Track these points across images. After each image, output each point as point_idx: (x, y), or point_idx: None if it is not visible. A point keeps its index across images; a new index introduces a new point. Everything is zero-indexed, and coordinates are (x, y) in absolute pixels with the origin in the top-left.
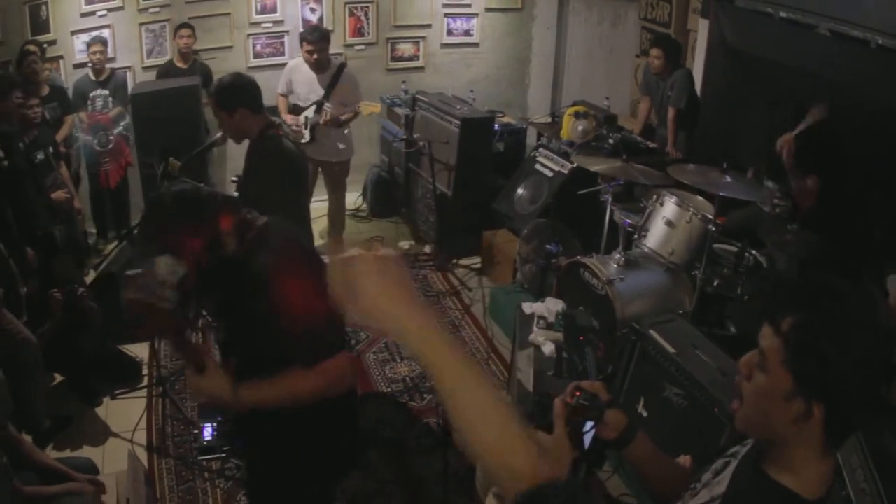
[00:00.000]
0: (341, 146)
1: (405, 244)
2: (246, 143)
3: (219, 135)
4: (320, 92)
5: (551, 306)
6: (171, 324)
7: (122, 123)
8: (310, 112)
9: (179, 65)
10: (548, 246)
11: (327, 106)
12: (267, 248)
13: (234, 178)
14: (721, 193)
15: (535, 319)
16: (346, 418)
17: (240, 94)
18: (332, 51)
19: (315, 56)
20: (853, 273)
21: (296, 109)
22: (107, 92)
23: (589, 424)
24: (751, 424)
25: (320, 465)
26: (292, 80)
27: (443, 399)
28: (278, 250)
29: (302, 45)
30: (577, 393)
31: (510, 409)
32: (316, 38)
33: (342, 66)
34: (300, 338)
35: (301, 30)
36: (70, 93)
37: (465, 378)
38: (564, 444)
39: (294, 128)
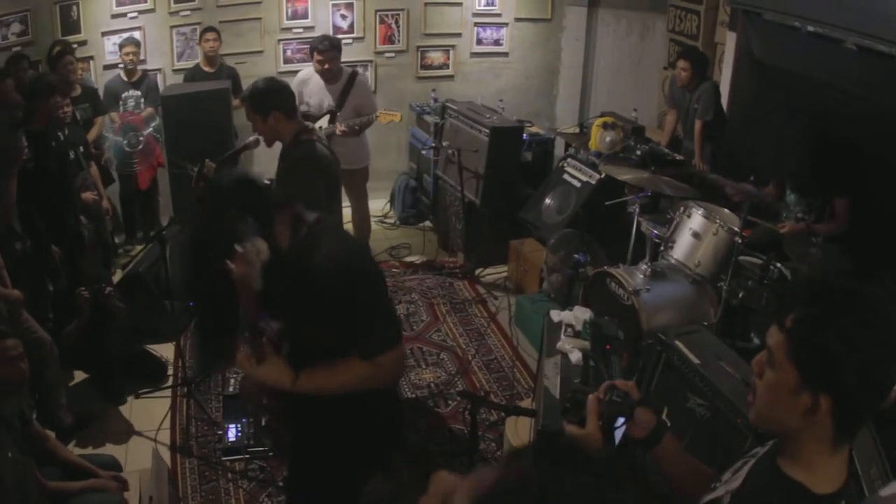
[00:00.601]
0: (358, 153)
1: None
2: (274, 147)
3: (252, 138)
4: (332, 102)
5: (579, 315)
6: (252, 305)
7: (153, 125)
8: (323, 122)
9: (206, 69)
10: (575, 256)
11: (339, 117)
12: (323, 241)
13: (266, 182)
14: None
15: (563, 327)
16: (390, 411)
17: (273, 97)
18: (363, 58)
19: (326, 66)
20: (877, 285)
21: (308, 119)
22: (139, 93)
23: (620, 420)
24: (762, 419)
25: (361, 453)
26: (303, 92)
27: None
28: (335, 243)
29: (312, 55)
30: (609, 387)
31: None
32: (326, 47)
33: (354, 75)
34: (359, 329)
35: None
36: (101, 93)
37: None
38: (596, 439)
39: None
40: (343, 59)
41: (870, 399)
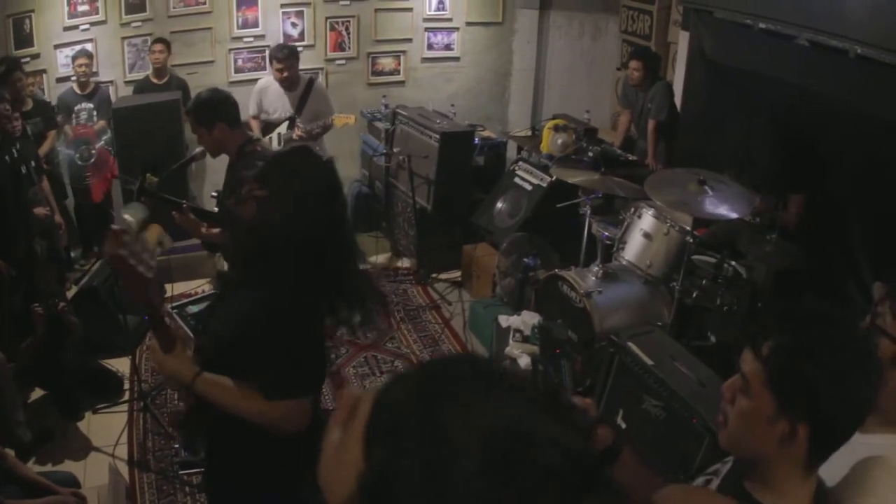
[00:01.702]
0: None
1: (379, 258)
2: (222, 158)
3: (198, 150)
4: (291, 108)
5: (527, 319)
6: (144, 292)
7: (105, 137)
8: (282, 128)
9: (155, 80)
10: (525, 259)
11: (299, 121)
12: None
13: (214, 194)
14: (697, 215)
15: (512, 332)
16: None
17: (217, 109)
18: (313, 65)
19: (285, 74)
20: (834, 282)
21: (268, 127)
22: (91, 105)
23: None
24: (735, 445)
25: (277, 477)
26: (262, 100)
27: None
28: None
29: (271, 64)
30: None
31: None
32: (285, 55)
33: (311, 81)
34: (265, 365)
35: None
36: (55, 106)
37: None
38: None
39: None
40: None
41: (848, 425)
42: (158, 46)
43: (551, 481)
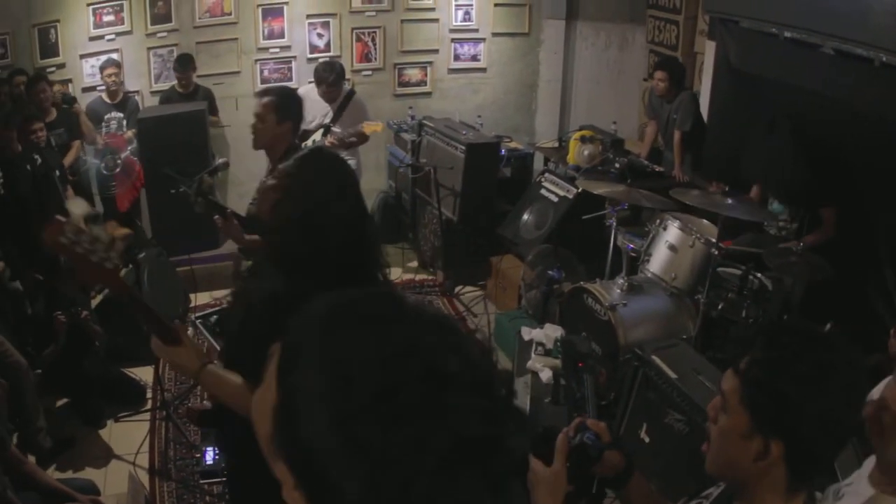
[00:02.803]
0: (354, 166)
1: (406, 269)
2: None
3: (222, 160)
4: (327, 117)
5: (550, 332)
6: (99, 278)
7: (132, 146)
8: (317, 136)
9: (180, 90)
10: (550, 272)
11: (334, 129)
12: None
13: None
14: (725, 214)
15: (534, 346)
16: None
17: (297, 110)
18: None
19: (331, 94)
20: (860, 294)
21: (304, 135)
22: (121, 114)
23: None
24: (717, 466)
25: None
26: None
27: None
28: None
29: (319, 85)
30: (580, 425)
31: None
32: (333, 80)
33: (351, 93)
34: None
35: (308, 55)
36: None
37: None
38: (561, 478)
39: None
40: None
41: (826, 445)
42: (110, 70)
43: (450, 393)
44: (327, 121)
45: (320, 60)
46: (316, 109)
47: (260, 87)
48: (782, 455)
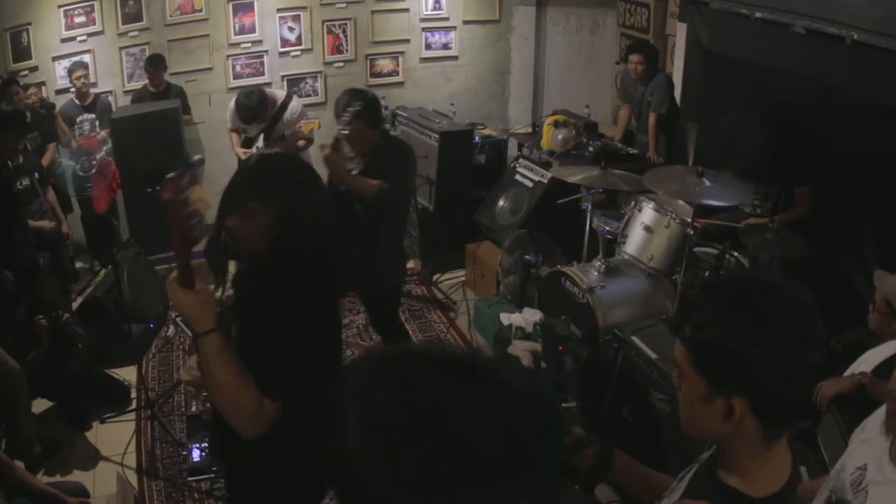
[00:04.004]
0: None
1: None
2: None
3: (197, 157)
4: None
5: (529, 317)
6: (186, 246)
7: (106, 147)
8: (260, 142)
9: (152, 90)
10: (528, 256)
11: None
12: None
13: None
14: (698, 202)
15: (514, 330)
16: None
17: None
18: (311, 69)
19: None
20: (838, 270)
21: (248, 141)
22: (93, 116)
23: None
24: (689, 429)
25: (296, 486)
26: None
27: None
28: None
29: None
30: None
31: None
32: (249, 120)
33: (289, 98)
34: (280, 364)
35: (280, 49)
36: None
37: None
38: None
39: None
40: (292, 72)
41: (785, 390)
42: (78, 73)
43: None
44: (266, 124)
45: (240, 92)
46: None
47: (232, 82)
48: (748, 409)
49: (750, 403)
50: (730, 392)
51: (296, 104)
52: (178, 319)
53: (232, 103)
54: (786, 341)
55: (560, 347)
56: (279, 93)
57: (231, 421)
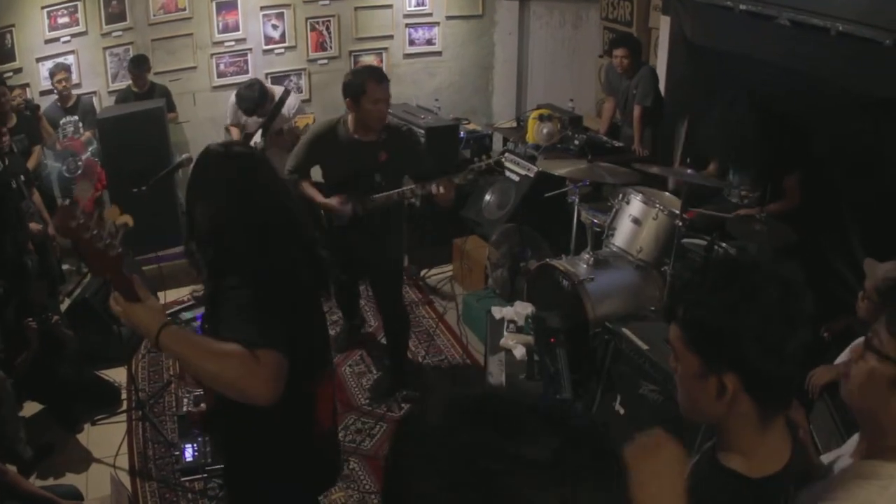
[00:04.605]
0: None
1: None
2: None
3: (185, 156)
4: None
5: (520, 310)
6: (108, 266)
7: (91, 148)
8: (258, 137)
9: (136, 90)
10: (517, 250)
11: (272, 132)
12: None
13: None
14: (689, 181)
15: (506, 324)
16: (319, 437)
17: None
18: (295, 67)
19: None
20: (825, 259)
21: (247, 137)
22: (76, 118)
23: None
24: (687, 411)
25: (294, 478)
26: (238, 112)
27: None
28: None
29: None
30: None
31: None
32: (248, 109)
33: (286, 93)
34: (259, 316)
35: (263, 47)
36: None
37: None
38: None
39: None
40: (276, 69)
41: (776, 366)
42: (60, 75)
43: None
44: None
45: (241, 84)
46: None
47: (216, 81)
48: (741, 387)
49: (741, 380)
50: (722, 369)
51: (293, 100)
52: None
53: (232, 98)
54: (772, 315)
55: (552, 340)
56: (276, 88)
57: (240, 395)
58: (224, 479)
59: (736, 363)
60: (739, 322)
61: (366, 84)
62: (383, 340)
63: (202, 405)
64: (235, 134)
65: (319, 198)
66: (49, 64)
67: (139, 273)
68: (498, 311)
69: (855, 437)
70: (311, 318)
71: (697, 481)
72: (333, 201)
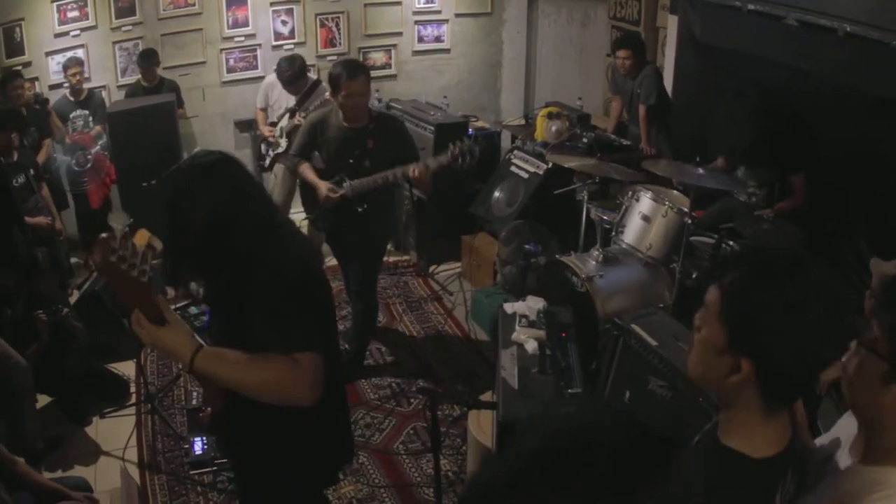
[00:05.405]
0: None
1: None
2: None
3: (198, 150)
4: (292, 102)
5: (532, 305)
6: (141, 296)
7: (101, 142)
8: (284, 121)
9: (145, 84)
10: (526, 246)
11: (300, 114)
12: (270, 245)
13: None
14: (696, 184)
15: (517, 318)
16: (333, 427)
17: None
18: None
19: (291, 90)
20: (832, 258)
21: (273, 124)
22: (87, 112)
23: None
24: (694, 373)
25: (307, 471)
26: (269, 95)
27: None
28: (278, 250)
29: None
30: None
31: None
32: (289, 77)
33: (318, 81)
34: (281, 328)
35: (273, 43)
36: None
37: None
38: None
39: (271, 139)
40: None
41: (796, 369)
42: (73, 69)
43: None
44: (292, 104)
45: (283, 56)
46: (283, 97)
47: (226, 76)
48: (753, 374)
49: (757, 371)
50: (742, 352)
51: (325, 87)
52: (178, 313)
53: (266, 79)
54: (818, 329)
55: (563, 334)
56: (310, 77)
57: (284, 400)
58: (235, 477)
59: (760, 356)
60: (785, 323)
61: (340, 78)
62: (393, 336)
63: (207, 409)
64: (262, 119)
65: (313, 179)
66: (59, 58)
67: (160, 288)
68: (510, 306)
69: (847, 418)
70: (332, 314)
71: (698, 460)
72: (323, 185)
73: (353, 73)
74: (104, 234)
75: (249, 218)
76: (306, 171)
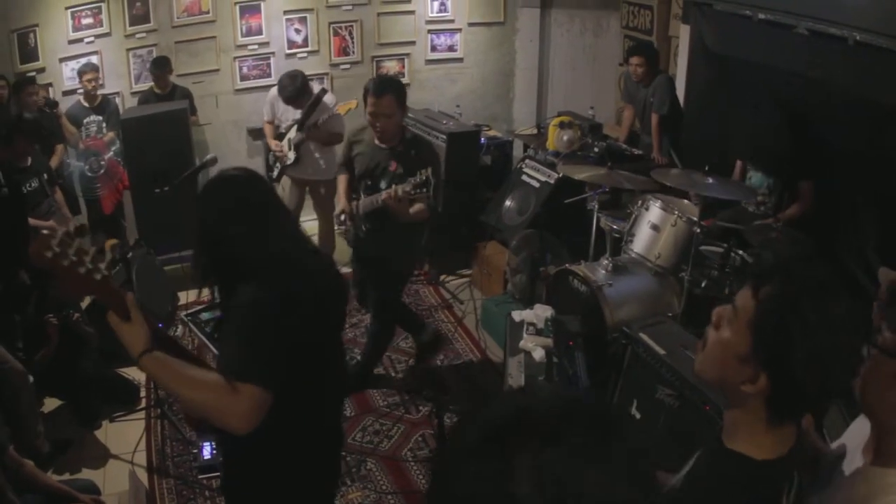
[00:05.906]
0: (324, 165)
1: None
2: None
3: (210, 156)
4: (298, 115)
5: (540, 313)
6: (100, 288)
7: (114, 148)
8: (291, 133)
9: (158, 91)
10: (536, 255)
11: (305, 127)
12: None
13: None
14: (705, 194)
15: (525, 326)
16: (323, 446)
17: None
18: (318, 71)
19: (294, 105)
20: (841, 267)
21: (279, 136)
22: (100, 118)
23: None
24: (705, 370)
25: (300, 485)
26: (275, 106)
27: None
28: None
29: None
30: None
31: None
32: (291, 94)
33: (322, 91)
34: (243, 349)
35: (286, 51)
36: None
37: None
38: None
39: (279, 153)
40: None
41: (811, 389)
42: (89, 75)
43: None
44: (299, 116)
45: (284, 73)
46: (290, 109)
47: (239, 84)
48: (766, 388)
49: (772, 387)
50: (764, 366)
51: (330, 97)
52: (188, 319)
53: (271, 92)
54: (838, 353)
55: (571, 343)
56: (315, 86)
57: (216, 423)
58: (221, 484)
59: (779, 369)
60: (816, 345)
61: (366, 94)
62: (403, 343)
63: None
64: (269, 132)
65: (341, 192)
66: (73, 64)
67: (160, 272)
68: (518, 314)
69: (858, 423)
70: (322, 353)
71: (703, 464)
72: (341, 202)
73: (379, 90)
74: (45, 231)
75: (248, 234)
76: (340, 183)
